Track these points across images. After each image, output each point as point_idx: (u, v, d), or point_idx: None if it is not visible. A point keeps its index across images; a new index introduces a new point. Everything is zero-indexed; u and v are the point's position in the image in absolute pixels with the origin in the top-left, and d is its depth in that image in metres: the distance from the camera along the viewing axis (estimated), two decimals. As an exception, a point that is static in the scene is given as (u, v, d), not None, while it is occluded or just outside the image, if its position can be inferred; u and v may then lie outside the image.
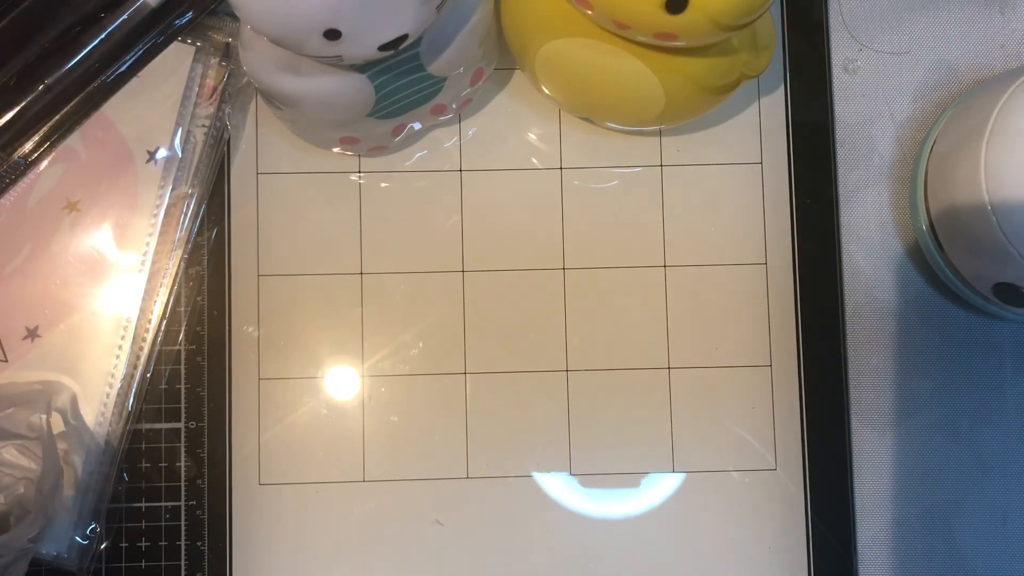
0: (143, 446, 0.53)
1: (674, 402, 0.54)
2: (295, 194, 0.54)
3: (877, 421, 0.54)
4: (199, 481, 0.53)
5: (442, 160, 0.55)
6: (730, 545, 0.53)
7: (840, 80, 0.55)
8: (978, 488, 0.54)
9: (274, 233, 0.54)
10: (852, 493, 0.53)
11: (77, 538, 0.51)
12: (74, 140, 0.52)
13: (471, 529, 0.53)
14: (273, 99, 0.48)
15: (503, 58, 0.53)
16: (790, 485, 0.53)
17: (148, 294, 0.53)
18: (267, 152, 0.55)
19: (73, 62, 0.51)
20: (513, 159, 0.55)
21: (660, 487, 0.54)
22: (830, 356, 0.54)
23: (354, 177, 0.55)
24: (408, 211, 0.54)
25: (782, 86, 0.55)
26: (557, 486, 0.54)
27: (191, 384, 0.53)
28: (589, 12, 0.44)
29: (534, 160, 0.55)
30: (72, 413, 0.51)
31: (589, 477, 0.54)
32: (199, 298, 0.54)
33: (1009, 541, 0.53)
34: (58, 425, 0.50)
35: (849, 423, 0.54)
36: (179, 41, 0.53)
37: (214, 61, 0.53)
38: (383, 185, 0.55)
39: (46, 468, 0.48)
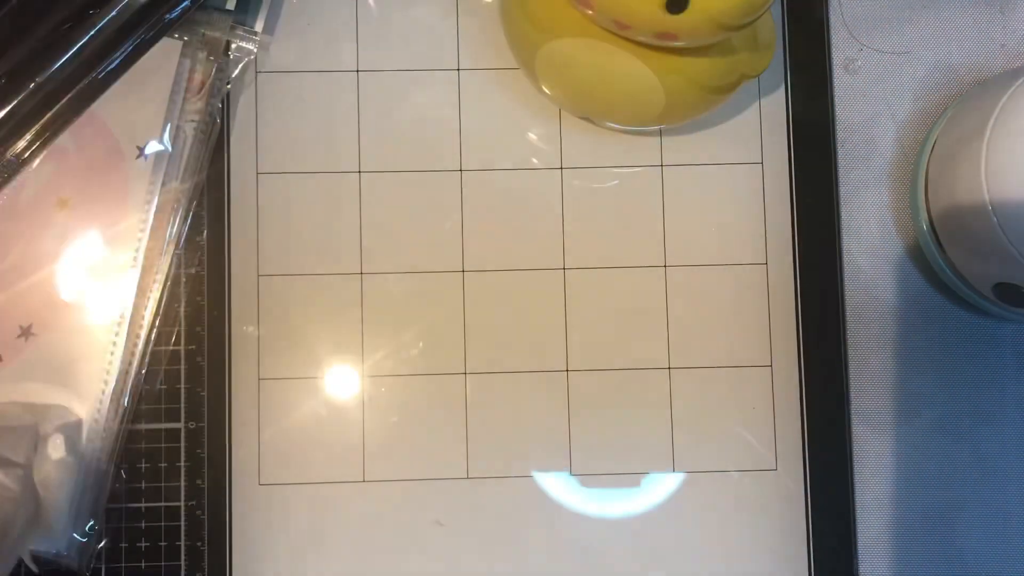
0: (143, 446, 0.53)
1: (674, 402, 0.54)
2: (295, 194, 0.54)
3: (877, 421, 0.54)
4: (199, 481, 0.53)
5: (442, 160, 0.55)
6: (730, 545, 0.53)
7: (840, 80, 0.55)
8: (978, 488, 0.54)
9: (274, 233, 0.54)
10: (852, 493, 0.53)
11: (76, 535, 0.51)
12: (64, 137, 0.52)
13: (471, 529, 0.53)
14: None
15: (503, 58, 0.53)
16: (790, 485, 0.54)
17: (141, 290, 0.53)
18: (267, 152, 0.54)
19: (63, 60, 0.50)
20: (513, 159, 0.55)
21: (660, 487, 0.54)
22: (830, 356, 0.54)
23: (354, 177, 0.55)
24: (408, 211, 0.54)
25: (782, 86, 0.55)
26: (557, 486, 0.54)
27: (191, 384, 0.53)
28: (589, 12, 0.44)
29: (534, 160, 0.55)
30: (66, 444, 0.50)
31: (589, 477, 0.54)
32: (199, 298, 0.54)
33: (1010, 541, 0.54)
34: (56, 451, 0.50)
35: (849, 423, 0.54)
36: (166, 36, 0.53)
37: (202, 56, 0.53)
38: (383, 185, 0.55)
39: (20, 511, 0.48)
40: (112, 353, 0.52)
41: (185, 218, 0.53)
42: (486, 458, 0.54)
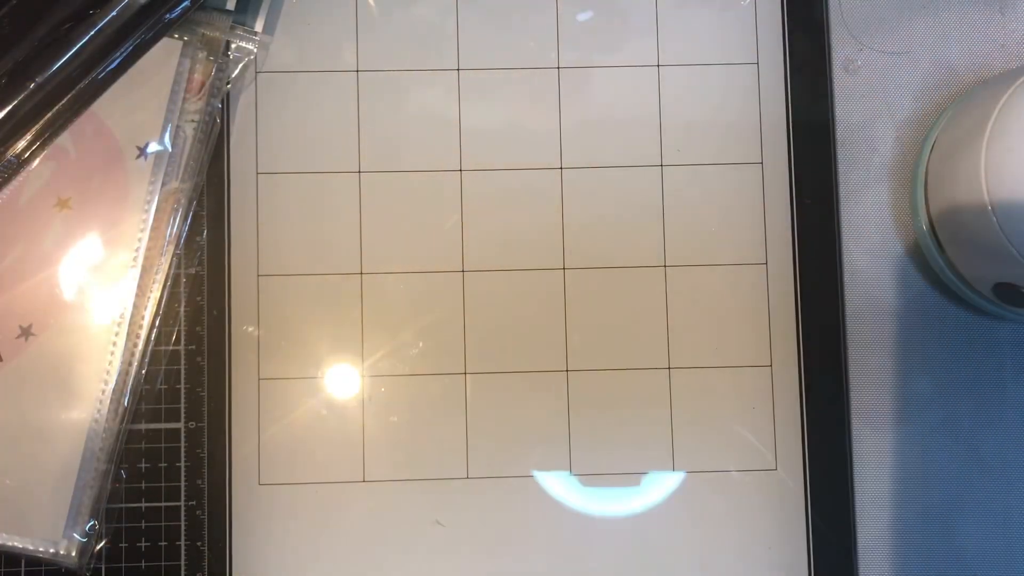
0: (143, 446, 0.53)
1: (674, 402, 0.54)
2: (295, 194, 0.54)
3: (877, 421, 0.54)
4: (199, 481, 0.53)
5: (442, 160, 0.55)
6: (730, 545, 0.53)
7: (840, 80, 0.55)
8: (978, 488, 0.54)
9: (274, 233, 0.54)
10: (852, 493, 0.54)
11: (76, 535, 0.51)
12: (63, 137, 0.52)
13: (471, 529, 0.53)
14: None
15: (503, 58, 0.53)
16: (790, 485, 0.54)
17: (141, 290, 0.53)
18: (267, 152, 0.55)
19: (64, 59, 0.50)
20: (513, 159, 0.55)
21: (660, 486, 0.54)
22: (830, 356, 0.54)
23: (354, 177, 0.55)
24: (408, 211, 0.54)
25: (782, 86, 0.55)
26: (557, 486, 0.54)
27: (191, 384, 0.53)
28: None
29: (534, 160, 0.55)
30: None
31: (589, 476, 0.54)
32: (199, 298, 0.54)
33: (1009, 541, 0.54)
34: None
35: (849, 423, 0.54)
36: (166, 36, 0.53)
37: (201, 56, 0.53)
38: (383, 185, 0.55)
39: None
40: (112, 353, 0.52)
41: (185, 218, 0.53)
42: (486, 458, 0.54)
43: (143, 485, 0.53)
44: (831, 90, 0.55)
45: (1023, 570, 0.54)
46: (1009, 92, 0.48)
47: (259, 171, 0.55)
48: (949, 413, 0.54)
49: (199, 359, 0.53)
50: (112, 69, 0.52)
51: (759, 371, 0.54)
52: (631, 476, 0.54)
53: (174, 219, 0.53)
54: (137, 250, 0.52)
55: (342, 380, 0.54)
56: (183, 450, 0.53)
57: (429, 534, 0.53)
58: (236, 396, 0.53)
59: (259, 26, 0.55)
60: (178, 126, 0.53)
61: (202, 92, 0.53)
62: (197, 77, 0.53)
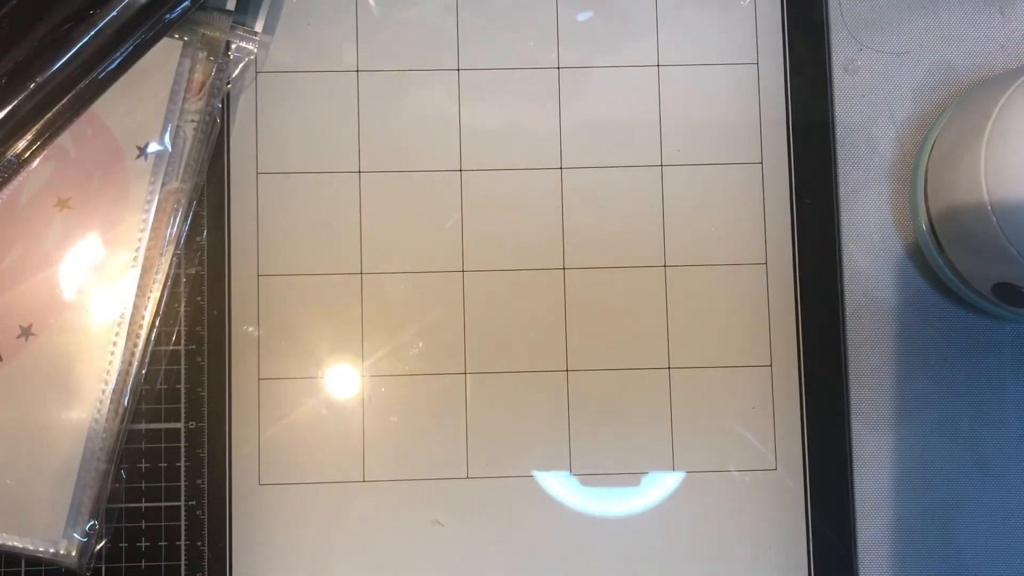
0: (143, 446, 0.53)
1: (674, 402, 0.54)
2: (295, 194, 0.54)
3: (877, 421, 0.54)
4: (199, 481, 0.53)
5: (442, 160, 0.55)
6: (730, 545, 0.53)
7: (840, 80, 0.55)
8: (978, 488, 0.54)
9: (274, 233, 0.54)
10: (852, 493, 0.54)
11: (76, 535, 0.51)
12: (63, 137, 0.52)
13: (471, 529, 0.53)
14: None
15: (503, 58, 0.53)
16: (790, 485, 0.54)
17: (141, 290, 0.53)
18: (267, 152, 0.55)
19: (64, 59, 0.50)
20: (513, 159, 0.55)
21: (660, 486, 0.54)
22: (830, 356, 0.54)
23: (354, 177, 0.55)
24: (408, 211, 0.54)
25: (782, 86, 0.55)
26: (557, 485, 0.54)
27: (191, 384, 0.53)
28: None
29: (534, 160, 0.55)
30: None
31: (589, 476, 0.54)
32: (199, 298, 0.54)
33: (1009, 541, 0.54)
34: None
35: (849, 423, 0.54)
36: (166, 36, 0.53)
37: (202, 56, 0.53)
38: (383, 185, 0.55)
39: None
40: (112, 353, 0.52)
41: (185, 218, 0.53)
42: (486, 458, 0.54)
43: (143, 485, 0.53)
44: (831, 90, 0.55)
45: (1023, 570, 0.54)
46: (1009, 92, 0.48)
47: (259, 171, 0.55)
48: (949, 413, 0.54)
49: (199, 359, 0.53)
50: (112, 69, 0.52)
51: (759, 371, 0.54)
52: (631, 476, 0.54)
53: (174, 219, 0.53)
54: (137, 250, 0.52)
55: (342, 380, 0.54)
56: (183, 450, 0.53)
57: (429, 534, 0.53)
58: (236, 396, 0.53)
59: (259, 26, 0.55)
60: (178, 126, 0.53)
61: (202, 92, 0.53)
62: (197, 77, 0.53)
